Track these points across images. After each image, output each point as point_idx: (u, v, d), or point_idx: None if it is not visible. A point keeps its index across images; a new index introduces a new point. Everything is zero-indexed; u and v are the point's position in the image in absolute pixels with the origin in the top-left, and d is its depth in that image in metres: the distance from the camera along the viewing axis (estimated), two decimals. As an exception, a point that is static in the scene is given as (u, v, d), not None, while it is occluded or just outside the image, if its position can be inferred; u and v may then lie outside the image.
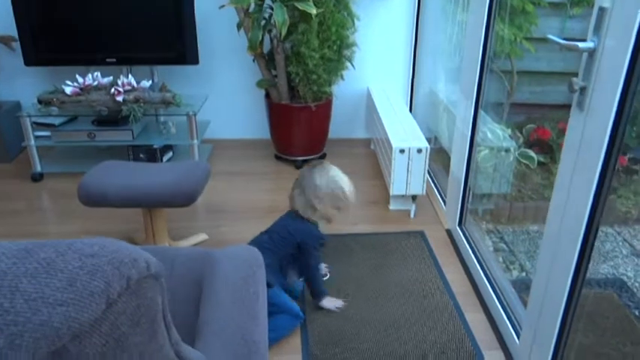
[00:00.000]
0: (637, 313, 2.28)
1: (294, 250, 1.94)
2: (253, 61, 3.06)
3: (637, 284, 2.44)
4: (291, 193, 1.98)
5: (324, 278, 2.15)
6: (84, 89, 2.86)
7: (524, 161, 3.07)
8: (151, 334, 0.63)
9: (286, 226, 1.97)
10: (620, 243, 2.74)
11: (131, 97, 2.84)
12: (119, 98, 2.82)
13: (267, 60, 3.02)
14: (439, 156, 3.27)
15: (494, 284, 2.06)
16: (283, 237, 1.94)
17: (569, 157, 1.38)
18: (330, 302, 2.01)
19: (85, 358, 0.53)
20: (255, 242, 1.95)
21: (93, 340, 0.53)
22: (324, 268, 2.21)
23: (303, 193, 1.93)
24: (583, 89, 1.29)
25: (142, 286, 0.58)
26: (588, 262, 1.38)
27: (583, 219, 1.32)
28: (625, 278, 2.49)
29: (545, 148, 3.18)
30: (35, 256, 0.51)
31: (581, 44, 1.25)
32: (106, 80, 2.90)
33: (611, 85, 1.18)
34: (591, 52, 1.25)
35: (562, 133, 3.23)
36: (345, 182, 1.94)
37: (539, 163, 3.10)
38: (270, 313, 1.84)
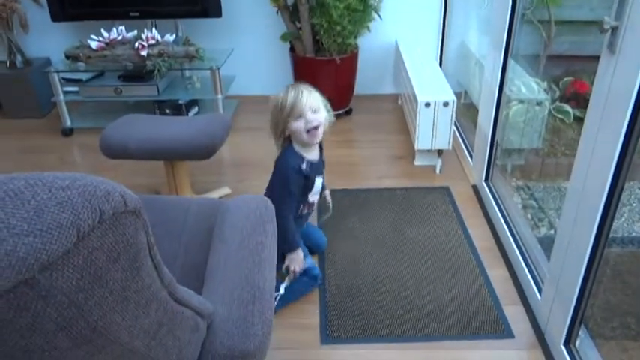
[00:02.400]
0: (670, 272, 2.19)
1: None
2: (277, 13, 2.99)
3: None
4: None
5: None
6: (109, 44, 2.86)
7: (559, 116, 2.94)
8: (135, 272, 0.63)
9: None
10: (657, 201, 2.62)
11: (155, 51, 2.83)
12: (143, 53, 2.82)
13: (290, 12, 2.94)
14: (469, 111, 3.16)
15: (519, 240, 2.01)
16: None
17: (596, 106, 1.30)
18: (293, 259, 1.73)
19: (59, 290, 0.53)
20: None
21: (66, 272, 0.52)
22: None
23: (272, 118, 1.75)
24: (615, 29, 1.20)
25: (120, 221, 0.57)
26: (613, 218, 1.32)
27: (609, 171, 1.25)
28: (658, 236, 2.38)
29: (582, 102, 3.03)
30: (4, 187, 0.50)
31: (613, -22, 1.15)
32: (131, 35, 2.90)
33: (644, 23, 1.09)
34: (624, -13, 1.15)
35: (601, 86, 3.06)
36: (294, 91, 1.66)
37: (575, 118, 2.96)
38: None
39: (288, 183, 1.65)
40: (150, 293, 0.69)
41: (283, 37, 3.00)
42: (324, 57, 2.92)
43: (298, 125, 1.64)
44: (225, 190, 2.48)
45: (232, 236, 1.18)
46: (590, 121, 1.34)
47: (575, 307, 1.48)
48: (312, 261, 1.88)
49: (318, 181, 1.77)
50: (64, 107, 3.01)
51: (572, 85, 3.07)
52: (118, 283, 0.60)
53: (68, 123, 3.06)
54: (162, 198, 1.60)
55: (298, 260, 1.74)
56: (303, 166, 1.66)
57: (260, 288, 1.03)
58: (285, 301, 1.78)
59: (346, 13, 2.71)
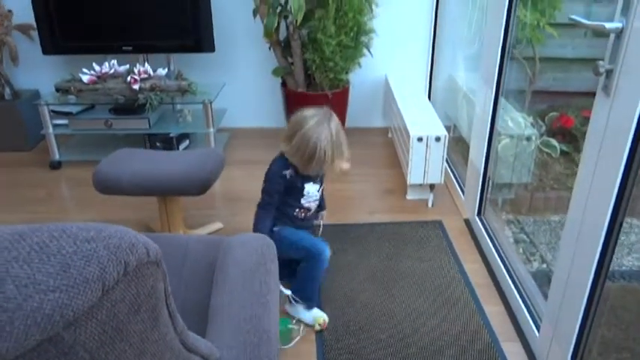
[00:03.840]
0: (662, 306, 2.21)
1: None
2: (269, 48, 3.03)
3: (662, 277, 2.37)
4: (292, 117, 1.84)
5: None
6: (101, 77, 2.86)
7: (547, 150, 3.00)
8: (153, 322, 0.61)
9: None
10: (645, 234, 2.66)
11: (147, 85, 2.84)
12: (135, 86, 2.82)
13: (283, 47, 2.98)
14: (458, 145, 3.21)
15: (514, 276, 2.01)
16: None
17: (594, 144, 1.32)
18: None
19: (82, 346, 0.51)
20: None
21: (89, 328, 0.51)
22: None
23: (294, 124, 1.76)
24: (609, 72, 1.23)
25: (142, 272, 0.56)
26: (612, 255, 1.33)
27: (607, 209, 1.27)
28: (650, 270, 2.41)
29: (568, 136, 3.09)
30: (28, 240, 0.49)
31: (607, 25, 1.19)
32: (123, 68, 2.90)
33: (639, 68, 1.12)
34: (618, 33, 1.19)
35: (586, 121, 3.13)
36: (324, 136, 1.68)
37: (562, 152, 3.02)
38: (292, 267, 1.86)
39: (269, 183, 1.84)
40: (165, 343, 0.67)
41: (275, 72, 3.03)
42: (316, 92, 2.95)
43: (304, 164, 1.74)
44: (218, 225, 2.46)
45: (236, 275, 1.16)
46: (587, 158, 1.36)
47: (575, 344, 1.48)
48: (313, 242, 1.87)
49: (310, 187, 1.86)
50: (53, 140, 2.99)
51: (558, 120, 3.14)
52: (137, 335, 0.58)
53: (57, 156, 3.03)
54: (161, 235, 1.58)
55: None
56: (287, 172, 1.79)
57: (266, 331, 1.02)
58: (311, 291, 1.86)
59: (338, 49, 2.76)
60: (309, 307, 1.87)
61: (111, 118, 2.97)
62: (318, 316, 1.86)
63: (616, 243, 1.32)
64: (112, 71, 2.87)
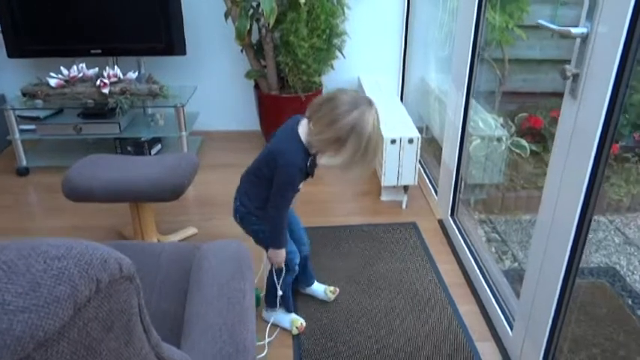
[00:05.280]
0: (630, 302, 2.27)
1: (260, 169, 1.63)
2: (241, 51, 3.01)
3: (629, 273, 2.44)
4: (316, 105, 1.51)
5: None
6: (69, 81, 2.80)
7: (517, 150, 3.05)
8: (127, 338, 0.60)
9: (276, 134, 1.65)
10: (613, 232, 2.74)
11: (117, 88, 2.79)
12: (105, 90, 2.77)
13: (255, 50, 2.97)
14: (431, 146, 3.24)
15: (487, 275, 2.05)
16: (262, 153, 1.64)
17: (562, 146, 1.35)
18: (278, 255, 1.68)
19: (53, 366, 0.50)
20: None
21: (60, 347, 0.50)
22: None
23: (329, 111, 1.46)
24: (576, 76, 1.26)
25: (115, 288, 0.55)
26: (582, 252, 1.37)
27: (576, 208, 1.30)
28: (617, 267, 2.48)
29: (537, 136, 3.16)
30: (-4, 260, 0.48)
31: (573, 30, 1.22)
32: (92, 72, 2.85)
33: (604, 72, 1.16)
34: (584, 38, 1.22)
35: (554, 121, 3.20)
36: (375, 132, 1.48)
37: (532, 152, 3.08)
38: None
39: (295, 182, 1.57)
40: (139, 358, 0.66)
41: (248, 75, 3.01)
42: (289, 94, 2.95)
43: (333, 159, 1.51)
44: (192, 230, 2.43)
45: (211, 283, 1.15)
46: (556, 158, 1.39)
47: (547, 342, 1.51)
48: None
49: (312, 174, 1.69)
50: (20, 146, 2.91)
51: (527, 120, 3.20)
52: (111, 353, 0.57)
53: (24, 162, 2.95)
54: (133, 243, 1.55)
55: (280, 258, 1.69)
56: (309, 162, 1.56)
57: (242, 340, 1.01)
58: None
59: (311, 51, 2.76)
60: (280, 310, 1.86)
61: (80, 122, 2.91)
62: (295, 319, 1.86)
63: (585, 240, 1.35)
64: (80, 75, 2.81)
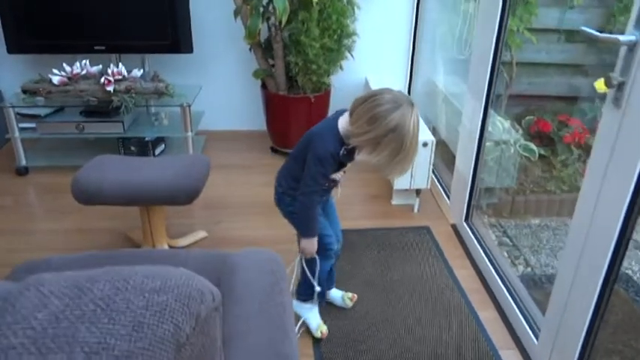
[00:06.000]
0: (645, 307, 2.26)
1: (298, 152, 1.63)
2: (250, 50, 2.95)
3: (642, 278, 2.43)
4: (359, 101, 1.50)
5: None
6: (72, 78, 2.72)
7: (525, 154, 3.04)
8: (210, 372, 0.55)
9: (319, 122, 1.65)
10: (623, 236, 2.72)
11: (122, 87, 2.71)
12: (109, 88, 2.69)
13: (263, 49, 2.91)
14: (437, 147, 3.21)
15: (506, 280, 2.02)
16: (304, 138, 1.63)
17: (602, 154, 1.32)
18: (308, 244, 1.68)
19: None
20: None
21: (158, 391, 0.45)
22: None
23: (371, 108, 1.45)
24: (621, 85, 1.23)
25: (209, 322, 0.50)
26: (622, 262, 1.34)
27: (618, 219, 1.27)
28: (630, 272, 2.47)
29: (545, 140, 3.15)
30: (90, 295, 0.42)
31: (622, 37, 1.19)
32: (95, 69, 2.77)
33: (655, 81, 1.13)
34: (632, 46, 1.19)
35: (562, 125, 3.20)
36: (416, 133, 1.47)
37: (540, 156, 3.06)
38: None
39: (324, 165, 1.55)
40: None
41: (256, 74, 2.95)
42: (298, 94, 2.89)
43: (374, 159, 1.48)
44: (202, 234, 2.38)
45: (249, 298, 1.10)
46: (595, 166, 1.36)
47: (580, 353, 1.48)
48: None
49: (348, 164, 1.68)
50: (20, 144, 2.82)
51: (535, 124, 3.18)
52: (197, 390, 0.52)
53: (23, 161, 2.86)
54: (154, 251, 1.49)
55: (313, 247, 1.68)
56: (341, 152, 1.55)
57: (287, 355, 0.96)
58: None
59: (321, 52, 2.71)
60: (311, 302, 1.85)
61: (82, 121, 2.82)
62: (321, 324, 1.84)
63: (624, 254, 1.33)
64: (83, 72, 2.73)
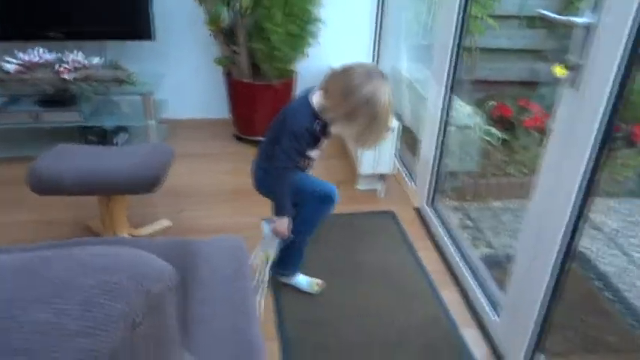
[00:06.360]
0: (599, 285, 2.35)
1: (274, 133, 1.66)
2: (211, 35, 2.90)
3: (598, 257, 2.52)
4: (331, 75, 1.56)
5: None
6: (27, 67, 2.62)
7: (487, 138, 3.10)
8: (171, 352, 0.55)
9: (290, 101, 1.69)
10: (580, 217, 2.82)
11: (80, 75, 2.64)
12: (67, 76, 2.61)
13: (226, 35, 2.87)
14: (402, 133, 3.24)
15: (467, 262, 2.07)
16: (277, 119, 1.66)
17: (560, 134, 1.36)
18: (281, 225, 1.71)
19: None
20: None
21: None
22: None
23: (343, 81, 1.49)
24: (578, 67, 1.26)
25: (164, 301, 0.50)
26: (576, 243, 1.39)
27: (572, 196, 1.31)
28: (586, 251, 2.56)
29: (506, 124, 3.22)
30: (41, 275, 0.42)
31: (578, 19, 1.22)
32: (52, 57, 2.68)
33: (607, 63, 1.16)
34: (588, 28, 1.22)
35: (523, 109, 3.27)
36: (388, 104, 1.51)
37: (501, 140, 3.13)
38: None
39: (299, 140, 1.58)
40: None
41: (218, 61, 2.91)
42: (262, 81, 2.87)
43: (347, 129, 1.54)
44: (166, 223, 2.34)
45: (213, 283, 1.10)
46: (553, 147, 1.40)
47: (536, 330, 1.53)
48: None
49: (325, 142, 1.72)
50: (-28, 135, 2.71)
51: (497, 109, 3.25)
52: (155, 371, 0.52)
53: (-24, 152, 2.76)
54: (114, 240, 1.47)
55: (284, 227, 1.71)
56: (316, 127, 1.58)
57: (255, 341, 0.96)
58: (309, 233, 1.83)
59: (286, 38, 2.69)
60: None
61: (39, 110, 2.73)
62: (311, 279, 1.92)
63: (581, 230, 1.37)
64: (40, 60, 2.64)
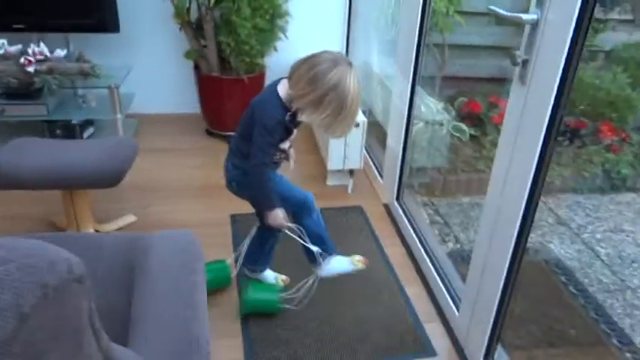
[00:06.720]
0: (564, 279, 2.39)
1: (245, 129, 1.63)
2: (180, 29, 2.87)
3: (563, 252, 2.56)
4: (297, 64, 1.53)
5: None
6: (-12, 59, 2.56)
7: (457, 134, 3.12)
8: (76, 346, 0.54)
9: (258, 95, 1.64)
10: (546, 212, 2.87)
11: (44, 67, 2.58)
12: (30, 69, 2.56)
13: (194, 29, 2.84)
14: (374, 129, 3.25)
15: (433, 257, 2.08)
16: (246, 114, 1.63)
17: (510, 130, 1.38)
18: (273, 218, 1.67)
19: (-6, 385, 0.43)
20: None
21: (2, 364, 0.43)
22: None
23: (310, 69, 1.47)
24: (525, 62, 1.28)
25: (63, 293, 0.49)
26: (528, 234, 1.40)
27: (525, 190, 1.33)
28: (552, 246, 2.60)
29: (476, 121, 3.25)
30: None
31: (524, 16, 1.23)
32: (14, 49, 2.62)
33: (553, 58, 1.17)
34: (534, 25, 1.23)
35: (492, 106, 3.31)
36: (356, 91, 1.50)
37: (471, 136, 3.16)
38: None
39: (272, 133, 1.56)
40: (90, 365, 0.60)
41: (187, 55, 2.88)
42: (231, 76, 2.85)
43: (315, 117, 1.51)
44: (131, 218, 2.32)
45: (160, 277, 1.08)
46: (504, 142, 1.41)
47: (493, 322, 1.55)
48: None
49: (296, 131, 1.70)
50: None
51: (467, 105, 3.27)
52: (59, 364, 0.51)
53: (-62, 147, 2.69)
54: (68, 235, 1.45)
55: (279, 219, 1.68)
56: (287, 117, 1.56)
57: (196, 337, 0.96)
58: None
59: (254, 32, 2.67)
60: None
61: (2, 103, 2.68)
62: (351, 257, 1.86)
63: (532, 223, 1.39)
64: (1, 52, 2.58)
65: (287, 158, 1.75)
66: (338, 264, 1.85)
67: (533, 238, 2.61)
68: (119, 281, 1.23)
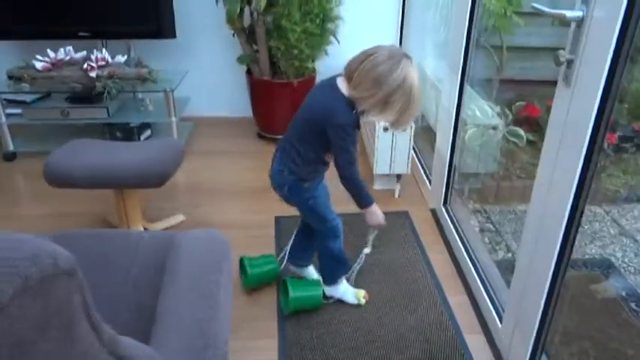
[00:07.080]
0: (624, 294, 2.23)
1: (303, 134, 1.61)
2: (233, 35, 2.94)
3: (624, 265, 2.39)
4: (354, 64, 1.49)
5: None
6: (55, 64, 2.73)
7: (513, 139, 3.00)
8: (68, 338, 0.56)
9: (313, 96, 1.62)
10: (609, 223, 2.69)
11: (105, 72, 2.73)
12: (92, 74, 2.71)
13: (247, 34, 2.90)
14: (426, 134, 3.18)
15: (478, 266, 2.00)
16: (300, 118, 1.63)
17: (555, 134, 1.30)
18: (371, 214, 1.70)
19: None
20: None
21: (-19, 351, 0.45)
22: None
23: (371, 70, 1.44)
24: (570, 62, 1.21)
25: (48, 286, 0.50)
26: (573, 243, 1.32)
27: (568, 198, 1.25)
28: (613, 259, 2.44)
29: (534, 125, 3.10)
30: None
31: (568, 13, 1.16)
32: (79, 55, 2.78)
33: (599, 57, 1.10)
34: (579, 22, 1.16)
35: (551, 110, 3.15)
36: (418, 82, 1.49)
37: (528, 142, 3.02)
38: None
39: (351, 134, 1.53)
40: (88, 357, 0.62)
41: (240, 60, 2.95)
42: (282, 80, 2.88)
43: (379, 114, 1.52)
44: (180, 218, 2.39)
45: (185, 275, 1.10)
46: (549, 147, 1.34)
47: (536, 334, 1.47)
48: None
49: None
50: (7, 130, 2.85)
51: (524, 109, 3.14)
52: (48, 355, 0.53)
53: (11, 147, 2.90)
54: (111, 231, 1.51)
55: (377, 215, 1.70)
56: (355, 118, 1.54)
57: (213, 336, 0.96)
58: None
59: (303, 36, 2.69)
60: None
61: (68, 107, 2.85)
62: (357, 291, 1.90)
63: (577, 231, 1.31)
64: (67, 58, 2.75)
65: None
66: (345, 291, 1.89)
67: (593, 250, 2.46)
68: (152, 279, 1.27)
